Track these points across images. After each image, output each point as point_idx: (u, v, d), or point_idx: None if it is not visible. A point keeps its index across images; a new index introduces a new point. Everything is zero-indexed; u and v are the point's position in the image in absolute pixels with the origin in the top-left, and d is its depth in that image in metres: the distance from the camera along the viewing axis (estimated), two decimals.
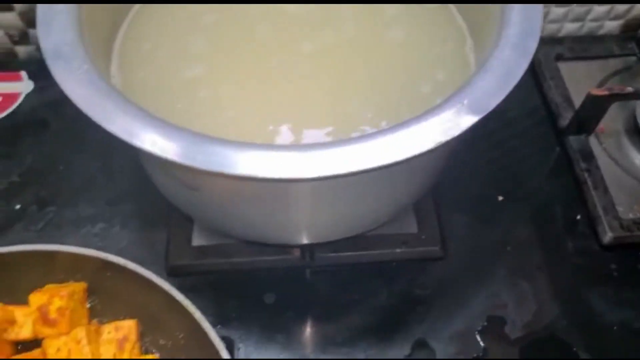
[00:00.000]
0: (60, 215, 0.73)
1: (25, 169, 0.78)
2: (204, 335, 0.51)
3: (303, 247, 0.69)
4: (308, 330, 0.68)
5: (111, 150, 0.79)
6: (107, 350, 0.54)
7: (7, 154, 0.79)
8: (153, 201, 0.73)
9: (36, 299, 0.55)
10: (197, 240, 0.70)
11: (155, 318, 0.56)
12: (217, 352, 0.50)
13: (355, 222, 0.60)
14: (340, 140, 0.43)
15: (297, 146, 0.44)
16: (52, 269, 0.56)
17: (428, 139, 0.44)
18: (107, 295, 0.57)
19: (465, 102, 0.46)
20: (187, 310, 0.52)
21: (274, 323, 0.67)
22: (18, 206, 0.74)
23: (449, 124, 0.45)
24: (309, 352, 0.66)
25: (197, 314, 0.51)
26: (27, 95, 0.84)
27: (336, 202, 0.52)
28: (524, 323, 0.68)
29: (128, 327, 0.55)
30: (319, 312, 0.69)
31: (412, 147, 0.44)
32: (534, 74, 0.85)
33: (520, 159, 0.80)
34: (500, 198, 0.77)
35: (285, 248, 0.70)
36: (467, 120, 0.45)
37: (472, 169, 0.78)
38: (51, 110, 0.83)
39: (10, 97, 0.84)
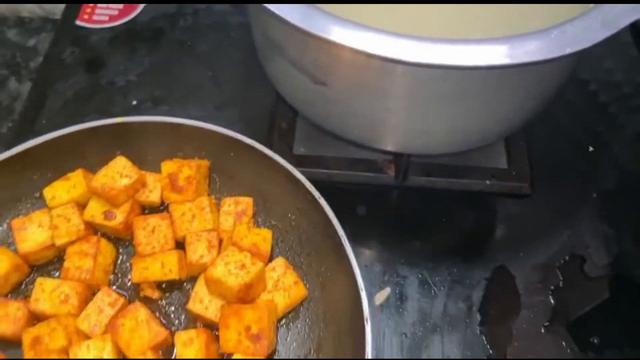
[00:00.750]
0: (172, 113, 0.78)
1: (142, 70, 0.83)
2: (320, 215, 0.55)
3: (398, 165, 0.72)
4: (396, 243, 0.71)
5: (219, 61, 0.84)
6: (225, 221, 0.59)
7: (126, 56, 0.85)
8: (256, 110, 0.78)
9: (167, 166, 0.60)
10: (298, 149, 0.74)
11: (269, 199, 0.61)
12: (330, 230, 0.54)
13: (456, 136, 0.62)
14: (473, 39, 0.46)
15: (437, 39, 0.47)
16: (179, 143, 0.61)
17: (561, 45, 0.47)
18: (227, 175, 0.62)
19: (600, 18, 0.49)
20: (306, 192, 0.56)
21: (365, 234, 0.71)
22: (134, 102, 0.80)
23: (582, 35, 0.47)
24: (397, 263, 0.69)
25: (316, 193, 0.55)
26: (146, 7, 0.90)
27: (449, 106, 0.55)
28: (603, 264, 0.70)
29: (246, 202, 0.60)
30: (407, 229, 0.72)
31: (545, 50, 0.47)
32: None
33: (616, 117, 0.81)
34: (591, 149, 0.79)
35: (381, 166, 0.74)
36: (600, 34, 0.48)
37: (568, 117, 0.80)
38: (167, 22, 0.89)
39: (130, 7, 0.89)
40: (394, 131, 0.62)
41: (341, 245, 0.55)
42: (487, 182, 0.74)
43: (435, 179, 0.74)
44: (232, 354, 0.53)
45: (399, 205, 0.74)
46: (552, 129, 0.79)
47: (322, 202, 0.56)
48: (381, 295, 0.68)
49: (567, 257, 0.71)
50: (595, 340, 0.66)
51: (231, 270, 0.53)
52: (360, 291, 0.52)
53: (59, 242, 0.57)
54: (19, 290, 0.59)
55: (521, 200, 0.75)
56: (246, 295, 0.54)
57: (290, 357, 0.55)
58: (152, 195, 0.60)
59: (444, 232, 0.72)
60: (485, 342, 0.66)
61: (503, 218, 0.74)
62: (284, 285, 0.56)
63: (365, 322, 0.51)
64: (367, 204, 0.73)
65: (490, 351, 0.66)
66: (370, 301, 0.58)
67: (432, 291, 0.69)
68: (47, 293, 0.55)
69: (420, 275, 0.70)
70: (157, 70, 0.84)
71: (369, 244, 0.70)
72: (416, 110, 0.58)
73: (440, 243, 0.72)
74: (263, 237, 0.57)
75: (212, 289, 0.55)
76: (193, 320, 0.57)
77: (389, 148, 0.65)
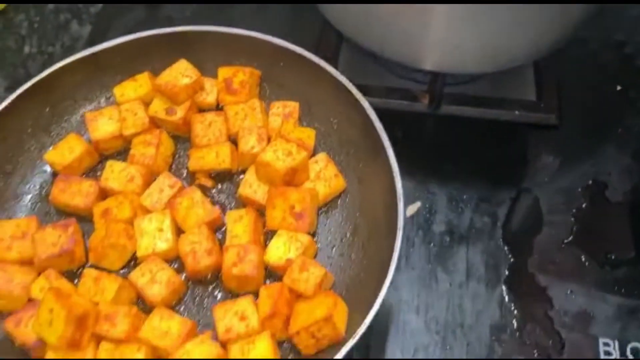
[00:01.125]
0: None
1: (196, 6, 0.90)
2: (361, 117, 0.61)
3: (432, 94, 0.78)
4: (428, 165, 0.76)
5: None
6: (274, 121, 0.65)
7: None
8: (302, 40, 0.82)
9: (223, 71, 0.67)
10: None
11: (314, 105, 0.67)
12: (370, 130, 0.60)
13: (487, 52, 0.67)
14: None
15: None
16: (234, 54, 0.68)
17: None
18: (276, 83, 0.68)
19: None
20: (349, 95, 0.62)
21: (399, 155, 0.76)
22: None
23: None
24: (428, 182, 0.75)
25: (359, 95, 0.61)
26: None
27: (482, 22, 0.60)
28: (624, 191, 0.74)
29: (293, 106, 0.66)
30: (439, 153, 0.77)
31: None
32: None
33: None
34: (619, 87, 0.82)
35: (416, 95, 0.79)
36: None
37: (599, 54, 0.84)
38: None
39: None
40: (430, 47, 0.67)
41: (380, 143, 0.60)
42: (516, 112, 0.78)
43: (467, 108, 0.79)
44: (276, 230, 0.59)
45: (432, 132, 0.79)
46: (582, 66, 0.83)
47: (365, 103, 0.61)
48: (412, 208, 0.74)
49: (590, 182, 0.75)
50: (613, 257, 0.70)
51: (279, 156, 0.60)
52: (397, 183, 0.58)
53: (126, 132, 0.65)
54: (89, 175, 0.66)
55: (548, 131, 0.79)
56: (291, 179, 0.60)
57: (328, 240, 0.61)
58: (209, 97, 0.67)
59: (473, 157, 0.77)
60: (508, 253, 0.71)
61: (530, 147, 0.78)
62: (325, 176, 0.62)
63: (399, 209, 0.56)
64: (403, 129, 0.78)
65: (512, 260, 0.71)
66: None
67: (460, 207, 0.74)
68: (115, 173, 0.62)
69: (449, 193, 0.75)
70: (210, 6, 0.90)
71: (402, 164, 0.75)
72: (452, 25, 0.63)
73: (469, 166, 0.77)
74: (307, 135, 0.63)
75: (260, 173, 0.61)
76: (242, 207, 0.63)
77: (426, 66, 0.70)
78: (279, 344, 0.55)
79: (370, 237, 0.60)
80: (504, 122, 0.79)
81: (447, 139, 0.79)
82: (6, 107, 0.63)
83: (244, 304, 0.54)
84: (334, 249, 0.61)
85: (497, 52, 0.67)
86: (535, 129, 0.79)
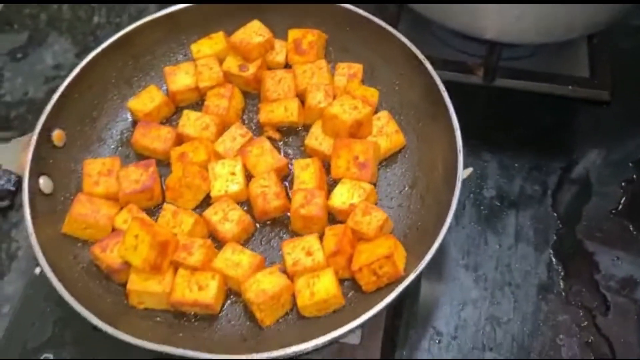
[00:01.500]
0: None
1: None
2: (422, 78, 0.64)
3: (487, 66, 0.80)
4: (481, 134, 0.79)
5: None
6: (339, 80, 0.69)
7: None
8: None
9: (293, 33, 0.71)
10: None
11: (377, 68, 0.71)
12: (430, 91, 0.63)
13: (545, 22, 0.69)
14: None
15: None
16: (302, 18, 0.72)
17: None
18: (341, 47, 0.72)
19: None
20: (412, 56, 0.65)
21: None
22: None
23: None
24: (481, 149, 0.78)
25: (421, 56, 0.65)
26: None
27: None
28: None
29: (357, 67, 0.70)
30: (493, 124, 0.80)
31: None
32: None
33: None
34: None
35: (471, 68, 0.82)
36: None
37: None
38: None
39: None
40: (492, 16, 0.70)
41: (443, 103, 0.63)
42: (570, 87, 0.81)
43: (521, 81, 0.82)
44: (340, 179, 0.63)
45: (485, 103, 0.82)
46: (635, 44, 0.85)
47: (427, 64, 0.65)
48: (465, 172, 0.76)
49: None
50: None
51: (345, 109, 0.63)
52: (457, 141, 0.61)
53: (201, 84, 0.69)
54: (165, 124, 0.71)
55: (600, 107, 0.81)
56: (356, 132, 0.64)
57: (388, 191, 0.65)
58: (279, 57, 0.72)
59: (525, 128, 0.80)
60: (556, 219, 0.74)
61: (582, 120, 0.81)
62: (386, 132, 0.66)
63: (458, 164, 0.59)
64: (457, 100, 0.82)
65: (560, 226, 0.73)
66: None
67: (511, 174, 0.77)
68: (191, 121, 0.67)
69: (500, 161, 0.78)
70: None
71: None
72: None
73: (521, 137, 0.79)
74: (371, 93, 0.67)
75: (327, 126, 0.65)
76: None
77: (487, 35, 0.73)
78: (341, 281, 0.59)
79: (429, 190, 0.64)
80: (556, 96, 0.82)
81: (499, 110, 0.82)
82: (93, 59, 0.68)
83: (311, 240, 0.58)
84: (393, 200, 0.65)
85: (554, 21, 0.70)
86: (587, 104, 0.82)
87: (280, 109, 0.68)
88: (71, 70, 0.67)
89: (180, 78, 0.70)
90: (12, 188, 0.72)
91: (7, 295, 0.69)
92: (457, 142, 0.61)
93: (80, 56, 0.91)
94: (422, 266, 0.55)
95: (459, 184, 0.59)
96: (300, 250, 0.58)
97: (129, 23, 0.97)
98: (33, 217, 0.58)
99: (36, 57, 0.93)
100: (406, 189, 0.65)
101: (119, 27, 0.99)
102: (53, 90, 0.65)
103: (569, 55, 0.85)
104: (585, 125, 0.81)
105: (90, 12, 1.01)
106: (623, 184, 0.76)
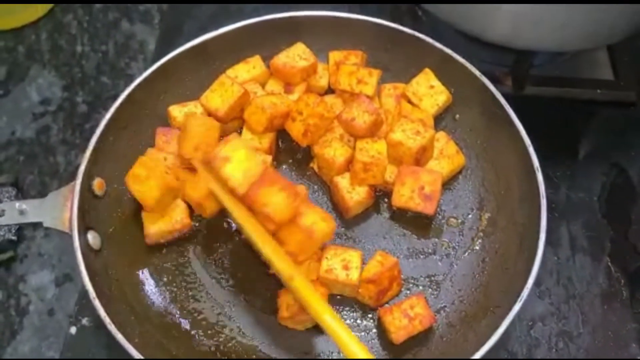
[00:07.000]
0: None
1: None
2: (477, 93, 0.63)
3: (515, 75, 0.79)
4: None
5: None
6: (387, 102, 0.66)
7: None
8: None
9: (334, 55, 0.68)
10: None
11: None
12: (488, 104, 0.61)
13: (580, 29, 0.68)
14: None
15: None
16: (340, 38, 0.68)
17: None
18: (381, 66, 0.69)
19: None
20: (463, 68, 0.64)
21: None
22: None
23: None
24: None
25: (477, 72, 0.63)
26: None
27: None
28: None
29: (402, 87, 0.67)
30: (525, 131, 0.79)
31: None
32: None
33: None
34: None
35: (498, 77, 0.80)
36: None
37: None
38: None
39: None
40: (531, 25, 0.68)
41: (506, 117, 0.62)
42: (598, 91, 0.81)
43: (548, 88, 0.81)
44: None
45: (517, 111, 0.81)
46: None
47: (484, 79, 0.63)
48: None
49: None
50: None
51: (409, 135, 0.61)
52: (531, 154, 0.60)
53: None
54: None
55: (627, 108, 0.82)
56: (421, 157, 0.61)
57: (452, 216, 0.63)
58: (321, 81, 0.68)
59: (558, 134, 0.79)
60: (607, 225, 0.73)
61: (612, 123, 0.81)
62: (447, 153, 0.63)
63: (538, 178, 0.58)
64: None
65: (611, 232, 0.73)
66: None
67: (555, 183, 0.76)
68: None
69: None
70: None
71: None
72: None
73: (555, 143, 0.78)
74: (426, 115, 0.64)
75: (390, 152, 0.62)
76: None
77: (522, 44, 0.71)
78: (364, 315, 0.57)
79: (500, 208, 0.62)
80: (585, 100, 0.82)
81: (531, 118, 0.81)
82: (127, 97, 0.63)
83: (354, 256, 0.57)
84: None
85: (599, 29, 0.69)
86: (612, 107, 0.82)
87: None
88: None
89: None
90: (14, 238, 0.66)
91: (23, 355, 0.63)
92: (531, 157, 0.59)
93: (68, 89, 0.84)
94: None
95: (544, 207, 0.57)
96: (340, 262, 0.57)
97: (115, 51, 0.91)
98: (91, 278, 0.52)
99: (19, 93, 0.85)
100: (475, 211, 0.63)
101: (106, 55, 0.93)
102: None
103: (588, 58, 0.85)
104: (616, 127, 0.81)
105: (72, 41, 0.93)
106: None
